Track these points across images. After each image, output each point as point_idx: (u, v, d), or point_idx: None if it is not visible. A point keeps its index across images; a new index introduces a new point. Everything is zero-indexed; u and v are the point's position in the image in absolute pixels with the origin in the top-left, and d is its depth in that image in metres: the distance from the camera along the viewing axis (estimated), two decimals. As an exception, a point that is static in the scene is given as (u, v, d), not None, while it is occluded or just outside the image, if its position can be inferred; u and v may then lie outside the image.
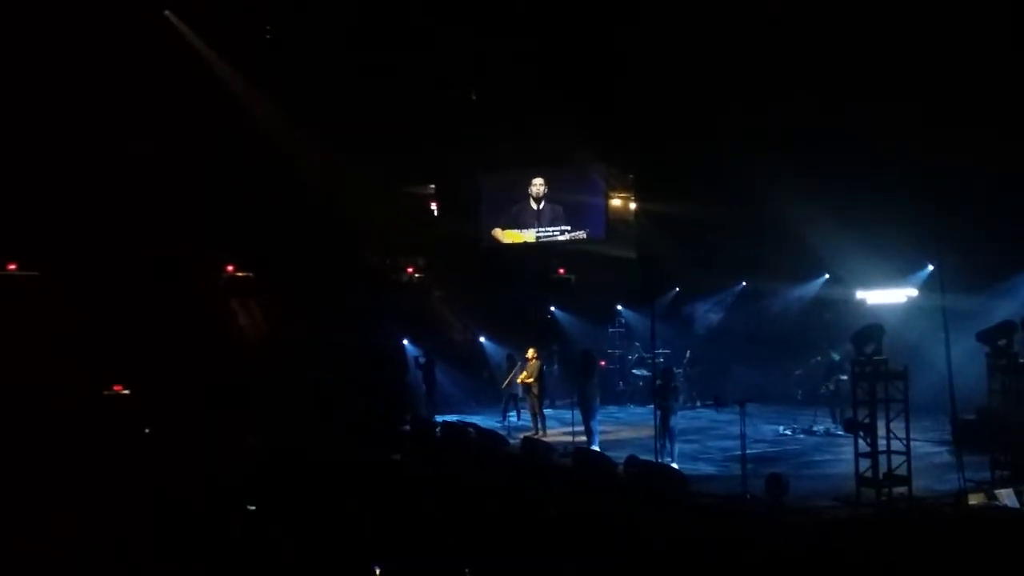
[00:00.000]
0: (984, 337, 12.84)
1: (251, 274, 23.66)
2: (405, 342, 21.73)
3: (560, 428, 17.34)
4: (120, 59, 19.75)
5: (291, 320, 21.97)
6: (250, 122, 22.60)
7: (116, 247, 20.20)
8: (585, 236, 25.85)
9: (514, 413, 19.33)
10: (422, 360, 19.87)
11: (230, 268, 23.34)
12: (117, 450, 14.53)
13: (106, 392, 18.30)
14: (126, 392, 18.45)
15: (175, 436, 15.99)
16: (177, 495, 11.68)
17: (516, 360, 19.09)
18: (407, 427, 18.37)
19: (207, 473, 13.16)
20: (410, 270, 26.58)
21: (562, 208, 26.16)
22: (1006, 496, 11.12)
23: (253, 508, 11.49)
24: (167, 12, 21.91)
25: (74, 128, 19.78)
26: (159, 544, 9.72)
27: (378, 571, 9.43)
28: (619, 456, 13.78)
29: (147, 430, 17.03)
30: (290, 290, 22.26)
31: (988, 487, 11.49)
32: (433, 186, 28.26)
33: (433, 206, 28.50)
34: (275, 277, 22.87)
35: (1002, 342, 12.66)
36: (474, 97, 25.84)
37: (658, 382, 14.78)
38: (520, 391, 18.74)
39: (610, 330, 24.04)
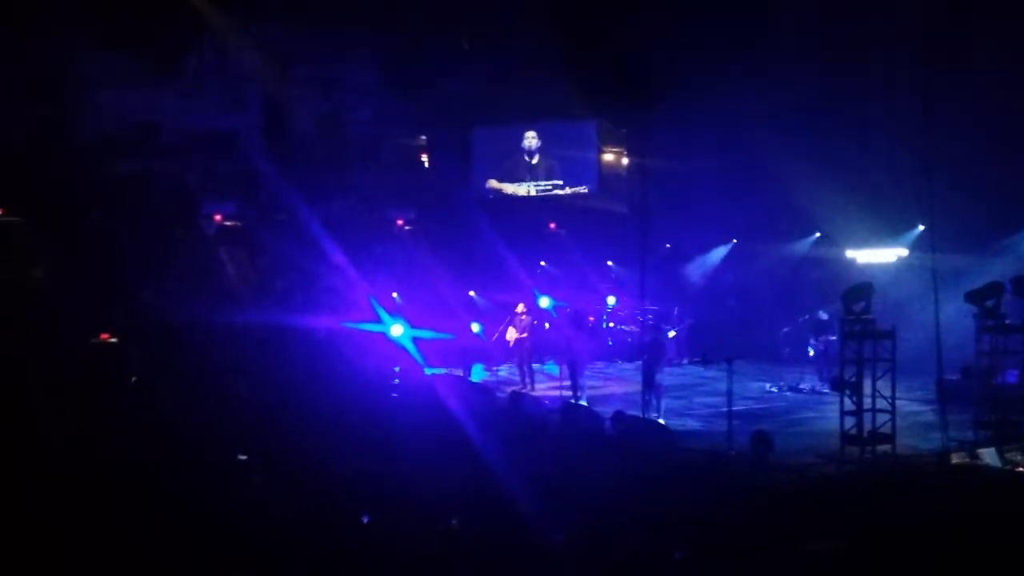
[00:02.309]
0: (972, 298, 12.87)
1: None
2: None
3: (548, 383, 17.42)
4: None
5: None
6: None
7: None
8: (586, 191, 25.74)
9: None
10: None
11: None
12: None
13: (94, 341, 18.08)
14: (114, 340, 18.21)
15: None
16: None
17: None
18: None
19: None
20: (400, 222, 26.43)
21: (556, 162, 25.98)
22: (988, 455, 11.26)
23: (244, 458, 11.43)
24: None
25: None
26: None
27: (365, 520, 9.43)
28: (606, 411, 13.86)
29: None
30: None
31: (971, 446, 11.64)
32: (424, 137, 28.00)
33: (424, 157, 28.27)
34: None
35: (990, 303, 12.69)
36: (467, 47, 25.50)
37: (646, 338, 14.82)
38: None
39: (601, 286, 24.05)
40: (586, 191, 25.75)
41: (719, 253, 23.83)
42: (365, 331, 17.58)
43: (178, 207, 23.39)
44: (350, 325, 17.32)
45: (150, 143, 24.24)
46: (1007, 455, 11.32)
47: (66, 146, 21.44)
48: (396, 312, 18.29)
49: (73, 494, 9.02)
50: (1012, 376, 13.27)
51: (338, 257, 19.78)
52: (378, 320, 17.69)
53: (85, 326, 16.50)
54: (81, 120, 22.55)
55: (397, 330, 17.30)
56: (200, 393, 13.67)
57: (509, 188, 26.34)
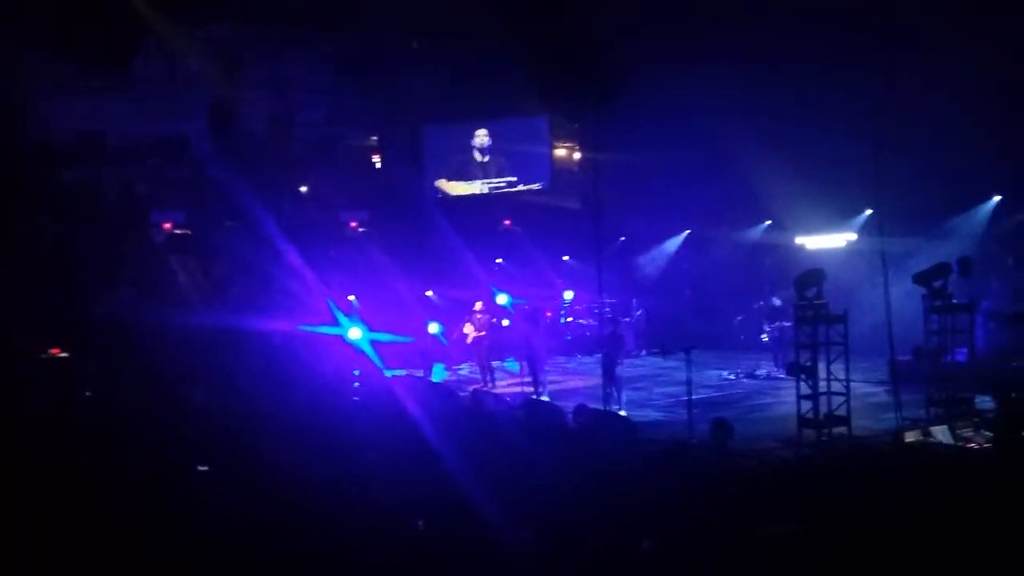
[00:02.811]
0: (920, 279, 13.16)
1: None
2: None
3: (509, 379, 17.43)
4: None
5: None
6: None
7: None
8: (539, 187, 25.77)
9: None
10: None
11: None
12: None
13: (44, 356, 17.67)
14: (64, 355, 17.81)
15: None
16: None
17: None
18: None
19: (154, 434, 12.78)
20: (353, 224, 26.25)
21: (505, 159, 25.97)
22: (940, 433, 11.51)
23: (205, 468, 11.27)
24: None
25: None
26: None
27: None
28: (568, 405, 13.91)
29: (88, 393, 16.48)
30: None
31: (924, 425, 11.90)
32: (376, 137, 27.83)
33: (375, 158, 28.10)
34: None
35: (938, 283, 12.99)
36: (416, 46, 25.39)
37: (605, 331, 14.91)
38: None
39: (557, 281, 24.12)
40: (539, 187, 25.78)
41: (673, 243, 24.04)
42: (323, 335, 17.46)
43: (127, 216, 23.01)
44: (307, 329, 17.18)
45: (96, 150, 23.80)
46: (959, 432, 11.59)
47: (10, 153, 20.96)
48: (353, 315, 18.18)
49: (28, 509, 8.86)
50: (961, 354, 13.58)
51: (293, 260, 19.60)
52: (336, 323, 17.57)
53: (34, 340, 16.14)
54: (25, 126, 22.05)
55: (355, 333, 17.20)
56: (156, 402, 13.48)
57: (461, 187, 26.26)
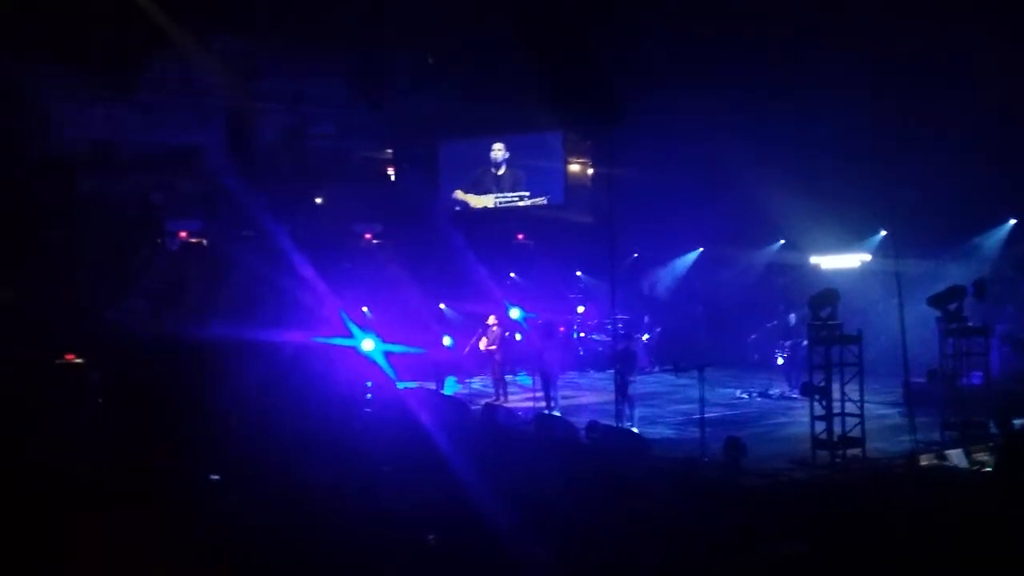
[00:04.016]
0: (935, 301, 13.12)
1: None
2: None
3: (521, 394, 17.43)
4: None
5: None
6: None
7: None
8: (545, 202, 25.83)
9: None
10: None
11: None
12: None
13: (58, 362, 17.76)
14: (79, 361, 17.90)
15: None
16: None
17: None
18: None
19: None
20: (367, 236, 26.35)
21: (523, 173, 26.06)
22: (955, 456, 11.44)
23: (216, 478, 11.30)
24: None
25: None
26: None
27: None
28: (580, 421, 13.91)
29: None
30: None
31: (939, 448, 11.82)
32: (390, 150, 27.98)
33: (390, 170, 28.24)
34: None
35: (952, 306, 12.95)
36: (431, 61, 25.56)
37: (619, 347, 14.91)
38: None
39: (570, 296, 24.14)
40: (545, 202, 25.85)
41: (686, 261, 24.04)
42: (336, 346, 17.48)
43: (142, 224, 23.16)
44: (321, 340, 17.21)
45: (112, 160, 23.98)
46: (974, 456, 11.51)
47: (25, 162, 21.16)
48: (367, 326, 18.21)
49: (39, 515, 8.90)
50: (976, 378, 13.50)
51: (307, 272, 19.67)
52: (349, 335, 17.59)
53: (49, 346, 16.24)
54: (41, 136, 22.26)
55: (368, 345, 17.22)
56: (169, 411, 13.53)
57: (474, 199, 26.37)
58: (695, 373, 13.08)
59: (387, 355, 19.22)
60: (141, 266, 21.70)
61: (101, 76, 22.33)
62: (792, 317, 18.22)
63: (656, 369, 20.07)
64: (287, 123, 25.79)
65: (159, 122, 24.55)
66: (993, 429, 12.24)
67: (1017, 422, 12.05)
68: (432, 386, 18.53)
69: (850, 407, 11.82)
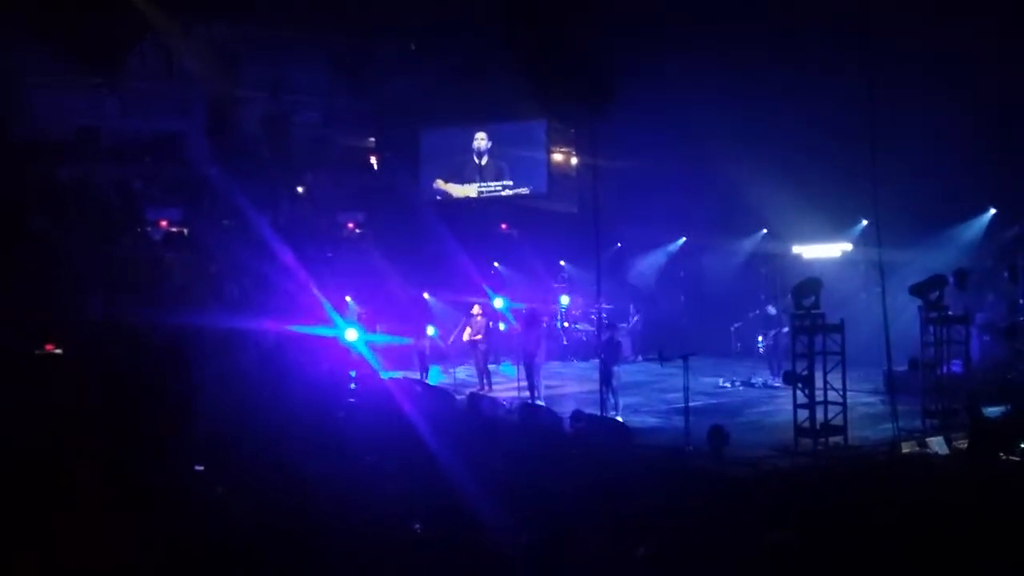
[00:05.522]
0: (916, 290, 13.22)
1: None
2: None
3: (505, 383, 17.44)
4: None
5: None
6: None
7: None
8: (528, 192, 25.77)
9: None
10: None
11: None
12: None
13: (38, 352, 17.59)
14: (58, 351, 17.73)
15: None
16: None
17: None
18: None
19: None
20: (350, 225, 26.24)
21: (505, 163, 25.98)
22: (936, 443, 11.55)
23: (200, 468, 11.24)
24: None
25: None
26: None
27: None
28: (564, 410, 13.93)
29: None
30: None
31: (920, 435, 11.94)
32: (373, 139, 27.83)
33: (372, 159, 28.09)
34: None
35: (934, 295, 13.06)
36: (414, 48, 25.40)
37: (603, 336, 14.93)
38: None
39: (554, 286, 24.15)
40: (527, 192, 25.77)
41: (669, 250, 24.10)
42: (319, 336, 17.44)
43: (123, 213, 22.93)
44: (303, 330, 17.16)
45: (91, 147, 23.72)
46: (954, 443, 11.62)
47: (3, 149, 20.90)
48: (350, 316, 18.17)
49: (20, 508, 8.82)
50: (956, 366, 13.64)
51: (289, 261, 19.57)
52: (332, 325, 17.56)
53: (28, 336, 16.09)
54: (19, 122, 21.98)
55: (352, 335, 17.19)
56: (149, 401, 13.43)
57: (457, 189, 26.27)
58: (679, 362, 13.12)
59: (371, 345, 19.22)
60: (122, 255, 21.47)
61: (82, 63, 22.07)
62: (771, 308, 18.30)
63: (640, 358, 20.14)
64: (269, 111, 25.58)
65: (140, 110, 24.31)
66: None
67: (995, 410, 12.23)
68: (416, 376, 18.50)
69: (833, 395, 11.90)
